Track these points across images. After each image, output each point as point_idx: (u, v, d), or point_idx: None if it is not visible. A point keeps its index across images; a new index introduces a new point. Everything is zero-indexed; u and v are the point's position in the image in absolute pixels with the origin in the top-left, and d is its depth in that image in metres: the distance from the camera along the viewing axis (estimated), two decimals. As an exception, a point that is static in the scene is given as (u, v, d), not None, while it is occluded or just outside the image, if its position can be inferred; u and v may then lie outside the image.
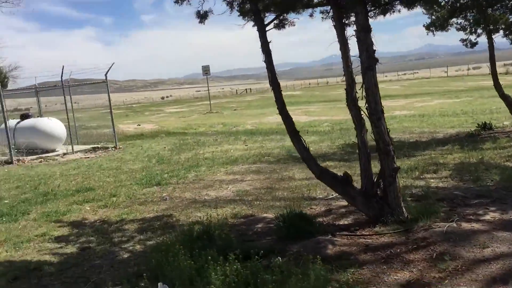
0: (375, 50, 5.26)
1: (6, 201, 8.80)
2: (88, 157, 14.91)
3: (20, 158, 14.76)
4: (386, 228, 5.18)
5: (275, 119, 26.19)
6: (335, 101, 37.92)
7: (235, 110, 38.52)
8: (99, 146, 16.95)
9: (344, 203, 6.55)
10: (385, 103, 5.63)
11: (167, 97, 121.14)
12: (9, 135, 14.52)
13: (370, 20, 5.35)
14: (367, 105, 5.35)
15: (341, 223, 5.67)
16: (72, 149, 15.92)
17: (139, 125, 27.89)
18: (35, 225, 7.00)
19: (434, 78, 68.41)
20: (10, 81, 29.22)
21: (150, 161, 12.47)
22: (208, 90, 39.08)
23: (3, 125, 17.05)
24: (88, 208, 7.76)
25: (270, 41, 5.35)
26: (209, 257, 4.09)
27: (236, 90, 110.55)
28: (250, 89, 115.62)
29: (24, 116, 16.76)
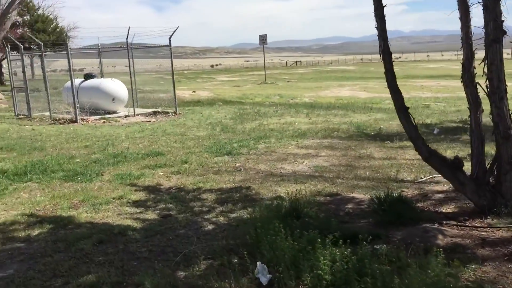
0: (503, 21, 4.63)
1: (77, 160, 8.79)
2: (150, 121, 14.88)
3: (84, 117, 14.91)
4: (500, 220, 4.65)
5: (332, 93, 25.46)
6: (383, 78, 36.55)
7: (288, 82, 37.83)
8: (159, 110, 16.91)
9: (439, 187, 6.04)
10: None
11: (216, 65, 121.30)
12: (75, 94, 14.65)
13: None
14: (487, 82, 4.75)
15: (443, 210, 5.18)
16: (134, 111, 15.95)
17: (194, 91, 27.85)
18: (110, 187, 6.89)
19: None
20: (69, 41, 29.70)
21: (214, 129, 12.24)
22: (264, 60, 38.44)
23: (67, 83, 17.31)
24: (161, 174, 7.59)
25: (385, 5, 4.79)
26: (318, 239, 3.73)
27: (286, 62, 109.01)
28: (301, 61, 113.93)
29: (88, 76, 16.88)
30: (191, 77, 51.76)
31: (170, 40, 16.28)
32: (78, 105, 14.69)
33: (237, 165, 7.96)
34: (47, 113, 17.35)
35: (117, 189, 6.75)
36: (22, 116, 17.08)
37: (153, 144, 10.34)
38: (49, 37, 28.02)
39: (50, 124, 14.67)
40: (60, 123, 14.55)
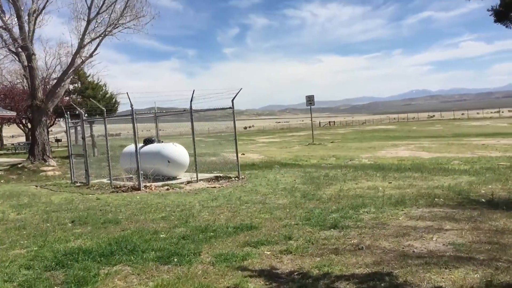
0: None
1: (162, 235, 7.83)
2: (215, 187, 14.00)
3: (147, 184, 14.16)
4: None
5: (390, 153, 24.28)
6: (442, 137, 35.20)
7: (332, 142, 36.94)
8: (221, 175, 16.08)
9: None
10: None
11: (249, 127, 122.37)
12: (138, 160, 14.01)
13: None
14: None
15: None
16: (197, 177, 15.16)
17: (243, 154, 27.14)
18: (217, 272, 5.83)
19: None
20: (119, 106, 29.92)
21: (294, 196, 11.21)
22: (312, 121, 37.98)
23: (127, 149, 16.79)
24: (269, 253, 6.51)
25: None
26: None
27: (319, 122, 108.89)
28: (334, 122, 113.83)
29: (147, 141, 16.35)
30: (230, 139, 51.55)
31: (232, 102, 15.75)
32: (142, 172, 13.99)
33: (352, 241, 6.82)
34: (105, 180, 16.77)
35: (227, 275, 5.69)
36: (80, 184, 16.51)
37: (236, 214, 9.34)
38: (99, 103, 28.21)
39: (112, 192, 13.95)
40: (123, 191, 13.80)
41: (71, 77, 24.87)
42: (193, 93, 14.83)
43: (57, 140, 50.09)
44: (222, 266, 6.04)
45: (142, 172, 14.23)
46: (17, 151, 41.19)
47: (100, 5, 22.77)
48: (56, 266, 6.34)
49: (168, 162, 15.19)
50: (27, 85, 44.00)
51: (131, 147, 16.95)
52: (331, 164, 20.30)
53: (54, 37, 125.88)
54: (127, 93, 13.72)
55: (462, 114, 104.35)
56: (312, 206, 9.70)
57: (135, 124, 14.37)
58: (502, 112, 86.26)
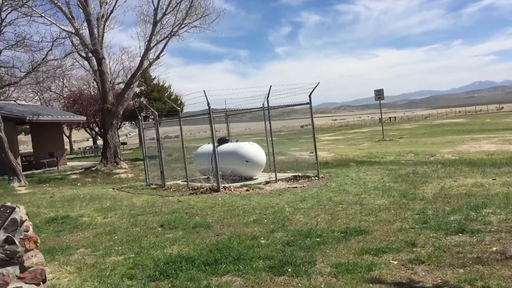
0: None
1: (263, 241, 7.16)
2: (296, 187, 13.24)
3: (226, 185, 13.65)
4: None
5: (473, 147, 22.52)
6: None
7: (401, 138, 35.16)
8: (299, 174, 15.33)
9: None
10: None
11: (306, 125, 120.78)
12: (217, 160, 13.52)
13: None
14: None
15: None
16: (276, 177, 14.49)
17: (312, 152, 26.23)
18: (344, 286, 5.05)
19: None
20: (184, 107, 29.89)
21: (391, 195, 10.24)
22: (381, 116, 36.49)
23: (201, 149, 16.40)
24: (395, 263, 5.66)
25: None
26: None
27: (379, 118, 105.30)
28: (395, 117, 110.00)
29: (222, 140, 15.85)
30: (292, 138, 50.68)
31: (310, 97, 14.97)
32: (220, 173, 13.48)
33: (493, 248, 5.82)
34: (179, 181, 16.48)
35: (356, 290, 4.90)
36: (156, 186, 16.31)
37: (335, 217, 8.53)
38: (164, 105, 28.32)
39: (191, 194, 13.54)
40: (202, 193, 13.36)
41: (139, 80, 25.01)
42: (269, 89, 14.17)
43: (123, 143, 51.35)
44: (347, 278, 5.26)
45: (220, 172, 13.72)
46: (86, 155, 42.47)
47: (166, 6, 22.68)
48: (160, 275, 5.81)
49: (247, 161, 14.61)
50: (94, 90, 45.56)
51: (205, 147, 16.55)
52: (412, 161, 19.04)
53: (113, 43, 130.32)
54: (203, 91, 13.28)
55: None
56: (419, 207, 8.70)
57: (213, 124, 13.88)
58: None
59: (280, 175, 15.06)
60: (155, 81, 30.96)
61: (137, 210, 11.07)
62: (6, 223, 4.60)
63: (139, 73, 23.50)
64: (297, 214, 9.16)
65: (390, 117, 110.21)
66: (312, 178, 14.72)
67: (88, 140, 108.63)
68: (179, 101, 28.01)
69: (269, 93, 14.25)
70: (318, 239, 7.03)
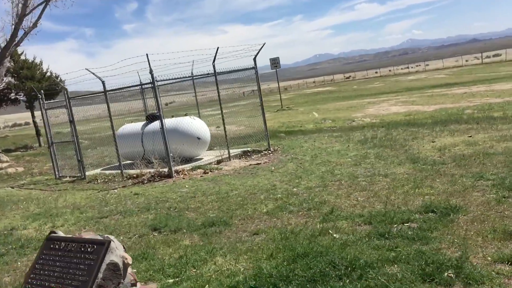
0: None
1: (325, 241, 5.33)
2: (259, 163, 11.43)
3: (178, 168, 11.22)
4: None
5: (382, 110, 22.81)
6: (409, 91, 33.92)
7: (290, 108, 35.03)
8: (248, 149, 13.48)
9: None
10: None
11: (170, 103, 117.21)
12: (166, 140, 10.99)
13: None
14: None
15: None
16: (229, 154, 12.44)
17: (219, 127, 24.34)
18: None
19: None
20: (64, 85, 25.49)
21: (398, 163, 9.03)
22: (278, 85, 35.59)
23: (122, 129, 13.58)
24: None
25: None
26: None
27: (243, 93, 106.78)
28: (253, 90, 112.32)
29: (152, 117, 13.11)
30: (230, 105, 47.92)
31: (255, 61, 13.13)
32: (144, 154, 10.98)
33: None
34: (99, 170, 13.49)
35: None
36: (72, 178, 12.98)
37: (386, 193, 7.00)
38: (39, 83, 23.67)
39: (135, 184, 10.80)
40: (150, 181, 10.76)
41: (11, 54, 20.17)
42: (216, 51, 11.92)
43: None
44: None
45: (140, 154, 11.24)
46: None
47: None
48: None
49: (198, 139, 12.25)
50: None
51: (128, 127, 13.72)
52: (338, 127, 18.34)
53: None
54: (146, 54, 10.53)
55: (376, 72, 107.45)
56: (459, 172, 7.61)
57: (158, 97, 11.19)
58: (427, 65, 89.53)
59: (230, 152, 12.99)
60: (22, 57, 25.75)
61: (92, 212, 8.21)
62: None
63: (13, 44, 18.89)
64: (323, 193, 7.43)
65: (253, 90, 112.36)
66: (265, 152, 13.01)
67: None
68: (59, 79, 23.61)
69: (215, 56, 12.02)
70: (334, 217, 5.41)
